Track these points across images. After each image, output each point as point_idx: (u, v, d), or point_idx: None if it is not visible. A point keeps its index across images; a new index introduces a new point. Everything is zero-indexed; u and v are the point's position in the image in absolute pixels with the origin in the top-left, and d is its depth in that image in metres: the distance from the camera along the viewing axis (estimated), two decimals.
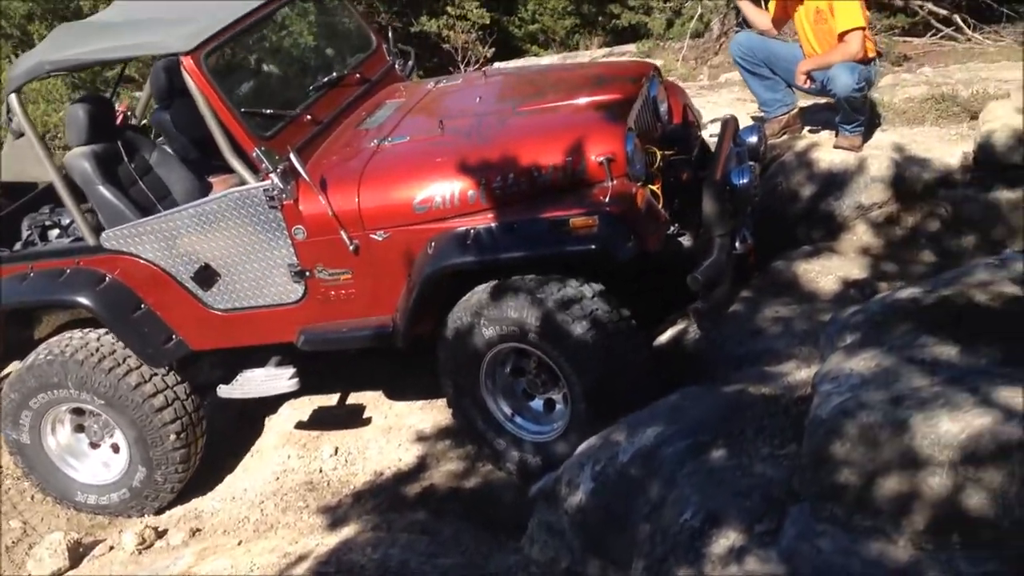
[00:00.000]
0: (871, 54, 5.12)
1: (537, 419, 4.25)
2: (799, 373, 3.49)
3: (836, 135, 5.21)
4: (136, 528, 4.69)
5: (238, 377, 4.69)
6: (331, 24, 5.57)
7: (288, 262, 4.30)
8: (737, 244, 4.33)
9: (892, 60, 7.64)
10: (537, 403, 4.25)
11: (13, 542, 4.93)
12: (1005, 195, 4.55)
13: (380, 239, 4.12)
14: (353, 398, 5.25)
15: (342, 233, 4.12)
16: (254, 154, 4.12)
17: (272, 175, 4.08)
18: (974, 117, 5.17)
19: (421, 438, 4.80)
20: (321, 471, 4.83)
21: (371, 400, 5.19)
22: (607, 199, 3.89)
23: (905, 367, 2.82)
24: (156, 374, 4.64)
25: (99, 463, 4.95)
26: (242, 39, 4.78)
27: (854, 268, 4.66)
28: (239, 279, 4.42)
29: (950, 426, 2.53)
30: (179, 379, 4.72)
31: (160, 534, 4.69)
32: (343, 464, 4.83)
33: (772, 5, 5.51)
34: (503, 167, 4.04)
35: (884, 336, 3.04)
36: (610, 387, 3.87)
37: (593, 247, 3.79)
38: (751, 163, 4.45)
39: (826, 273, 4.64)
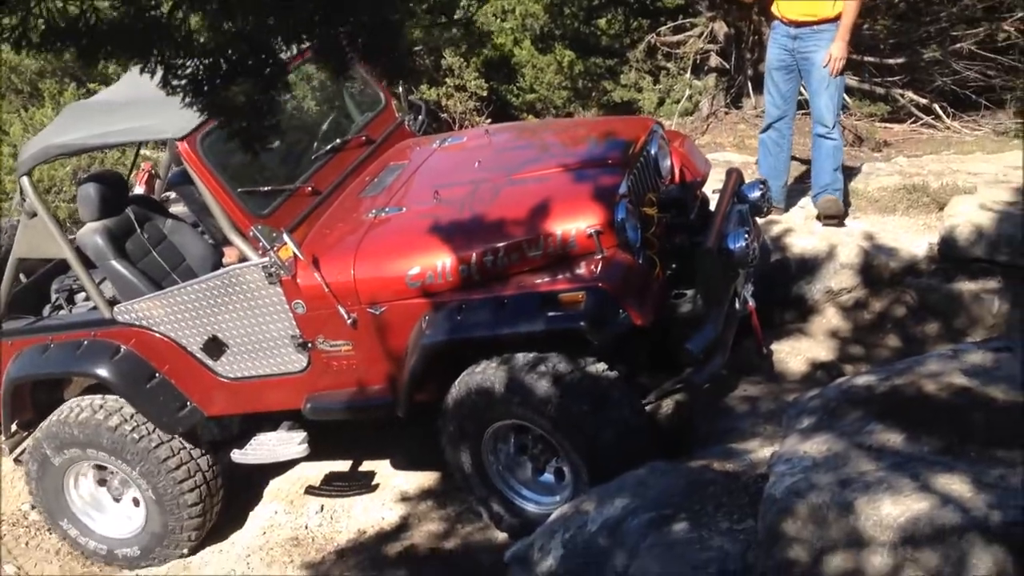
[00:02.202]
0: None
1: (550, 491, 4.29)
2: (761, 451, 3.68)
3: (820, 205, 5.46)
4: None
5: (251, 441, 4.83)
6: (337, 85, 5.55)
7: (291, 334, 4.41)
8: (737, 306, 4.36)
9: (872, 147, 7.94)
10: (547, 476, 4.29)
11: None
12: (967, 286, 4.79)
13: (377, 313, 4.20)
14: (344, 457, 5.40)
15: (339, 308, 4.21)
16: (251, 233, 4.24)
17: (270, 252, 4.19)
18: (942, 208, 5.41)
19: (405, 498, 4.98)
20: (307, 527, 5.00)
21: (360, 456, 5.36)
22: (596, 272, 3.92)
23: (854, 452, 3.04)
24: (176, 441, 4.78)
25: (118, 517, 5.12)
26: None
27: (822, 350, 4.89)
28: (245, 350, 4.55)
29: (891, 509, 2.74)
30: (196, 445, 4.86)
31: None
32: (328, 521, 5.00)
33: None
34: (494, 241, 4.08)
35: (837, 421, 3.26)
36: (606, 457, 3.88)
37: (581, 323, 3.82)
38: (747, 227, 4.36)
39: (795, 354, 4.86)
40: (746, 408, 4.41)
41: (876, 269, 5.12)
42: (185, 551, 4.97)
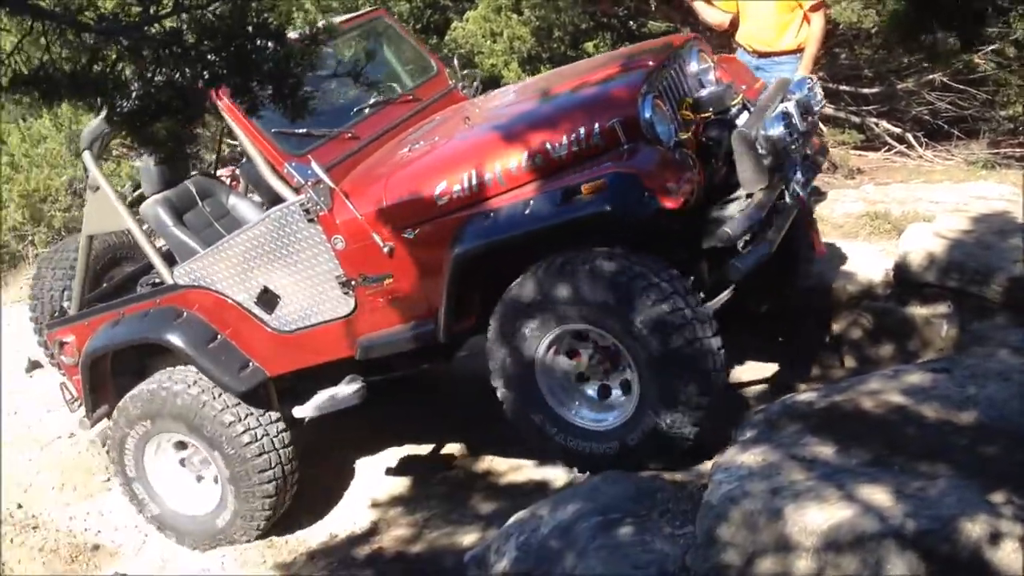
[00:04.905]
0: None
1: (595, 408, 4.18)
2: (709, 463, 3.88)
3: None
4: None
5: (313, 397, 4.82)
6: (390, 50, 5.58)
7: (335, 274, 4.42)
8: (787, 198, 4.23)
9: (845, 174, 8.14)
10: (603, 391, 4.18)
11: None
12: (918, 310, 4.97)
13: (411, 237, 4.22)
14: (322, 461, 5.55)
15: (374, 236, 4.23)
16: (284, 170, 4.32)
17: (306, 187, 4.25)
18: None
19: (376, 504, 5.15)
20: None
21: (337, 463, 5.54)
22: (621, 160, 3.89)
23: (787, 462, 3.24)
24: (247, 410, 4.75)
25: (194, 495, 5.13)
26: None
27: (780, 369, 5.08)
28: (296, 298, 4.57)
29: (817, 516, 2.94)
30: (270, 415, 4.83)
31: None
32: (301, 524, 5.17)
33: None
34: (520, 147, 4.10)
35: (776, 434, 3.46)
36: (677, 356, 3.81)
37: (607, 208, 3.78)
38: (789, 115, 4.16)
39: (756, 373, 5.06)
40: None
41: (835, 292, 5.31)
42: (255, 534, 4.97)
